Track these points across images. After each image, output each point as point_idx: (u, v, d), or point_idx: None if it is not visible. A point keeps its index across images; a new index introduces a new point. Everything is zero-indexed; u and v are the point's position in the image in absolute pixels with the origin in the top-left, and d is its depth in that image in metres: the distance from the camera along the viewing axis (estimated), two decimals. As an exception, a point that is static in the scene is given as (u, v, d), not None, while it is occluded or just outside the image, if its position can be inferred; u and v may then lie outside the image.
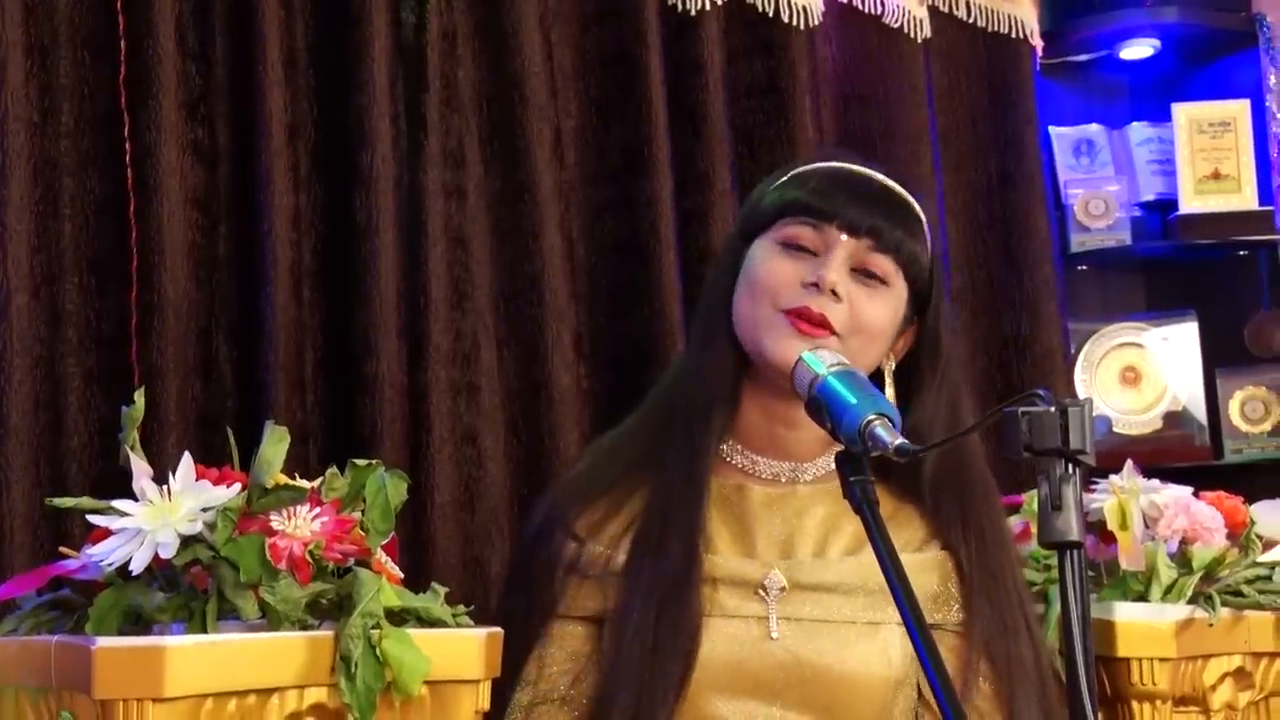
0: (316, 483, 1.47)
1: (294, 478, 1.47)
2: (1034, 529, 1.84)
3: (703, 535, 1.73)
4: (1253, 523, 1.96)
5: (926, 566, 1.76)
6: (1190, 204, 3.11)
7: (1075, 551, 1.32)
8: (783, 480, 1.80)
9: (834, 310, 1.73)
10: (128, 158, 2.07)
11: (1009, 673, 1.72)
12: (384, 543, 1.49)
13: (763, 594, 1.73)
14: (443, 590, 1.51)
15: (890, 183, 1.81)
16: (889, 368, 1.79)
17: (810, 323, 1.72)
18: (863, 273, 1.76)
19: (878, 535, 1.46)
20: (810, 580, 1.74)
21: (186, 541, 1.38)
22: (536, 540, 1.79)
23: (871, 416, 1.48)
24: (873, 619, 1.72)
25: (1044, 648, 1.77)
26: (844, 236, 1.75)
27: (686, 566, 1.70)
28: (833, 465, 1.79)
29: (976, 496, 1.80)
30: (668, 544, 1.70)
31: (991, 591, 1.76)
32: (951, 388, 1.81)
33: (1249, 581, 1.92)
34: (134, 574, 1.37)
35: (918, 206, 1.82)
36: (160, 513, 1.38)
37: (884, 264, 1.76)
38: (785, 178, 1.83)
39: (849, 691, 1.71)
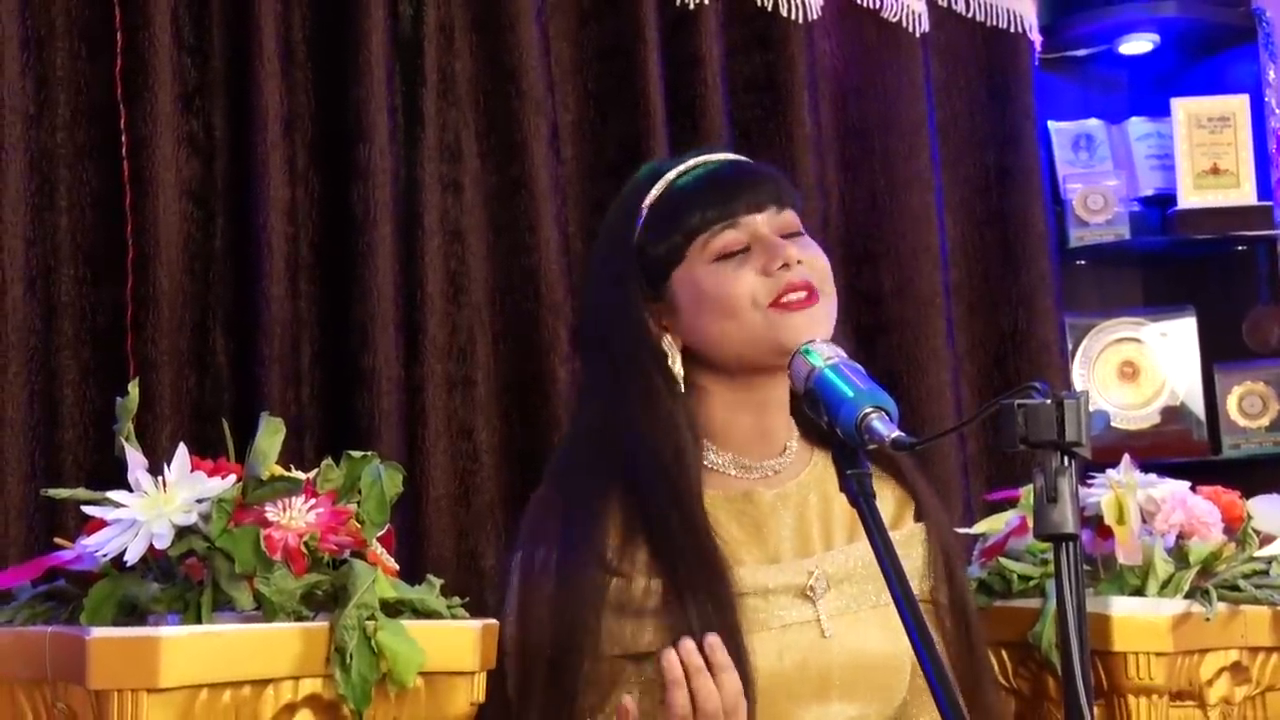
0: (311, 474, 1.46)
1: (290, 470, 1.47)
2: (1031, 523, 1.85)
3: (728, 578, 1.70)
4: (1250, 517, 1.95)
5: (909, 541, 1.80)
6: (1189, 199, 3.11)
7: (1071, 544, 1.32)
8: (771, 475, 1.80)
9: (807, 273, 1.75)
10: (123, 150, 2.07)
11: (976, 625, 1.80)
12: (379, 534, 1.49)
13: (811, 595, 1.74)
14: (438, 582, 1.51)
15: (730, 154, 1.87)
16: None
17: (801, 289, 1.74)
18: (786, 236, 1.78)
19: (874, 530, 1.47)
20: (839, 573, 1.76)
21: (182, 532, 1.38)
22: (571, 575, 1.69)
23: (868, 409, 1.48)
24: (889, 600, 1.74)
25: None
26: (757, 216, 1.77)
27: (724, 606, 1.67)
28: (796, 444, 1.81)
29: (912, 465, 1.86)
30: (696, 589, 1.67)
31: (958, 556, 1.83)
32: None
33: (1246, 576, 1.92)
34: (129, 565, 1.37)
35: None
36: (155, 504, 1.38)
37: (792, 218, 1.80)
38: (653, 217, 1.79)
39: (895, 673, 1.75)
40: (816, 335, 1.69)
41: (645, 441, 1.74)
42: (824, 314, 1.75)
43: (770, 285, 1.74)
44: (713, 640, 1.57)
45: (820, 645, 1.72)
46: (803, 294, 1.74)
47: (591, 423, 1.81)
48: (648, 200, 1.80)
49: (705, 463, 1.78)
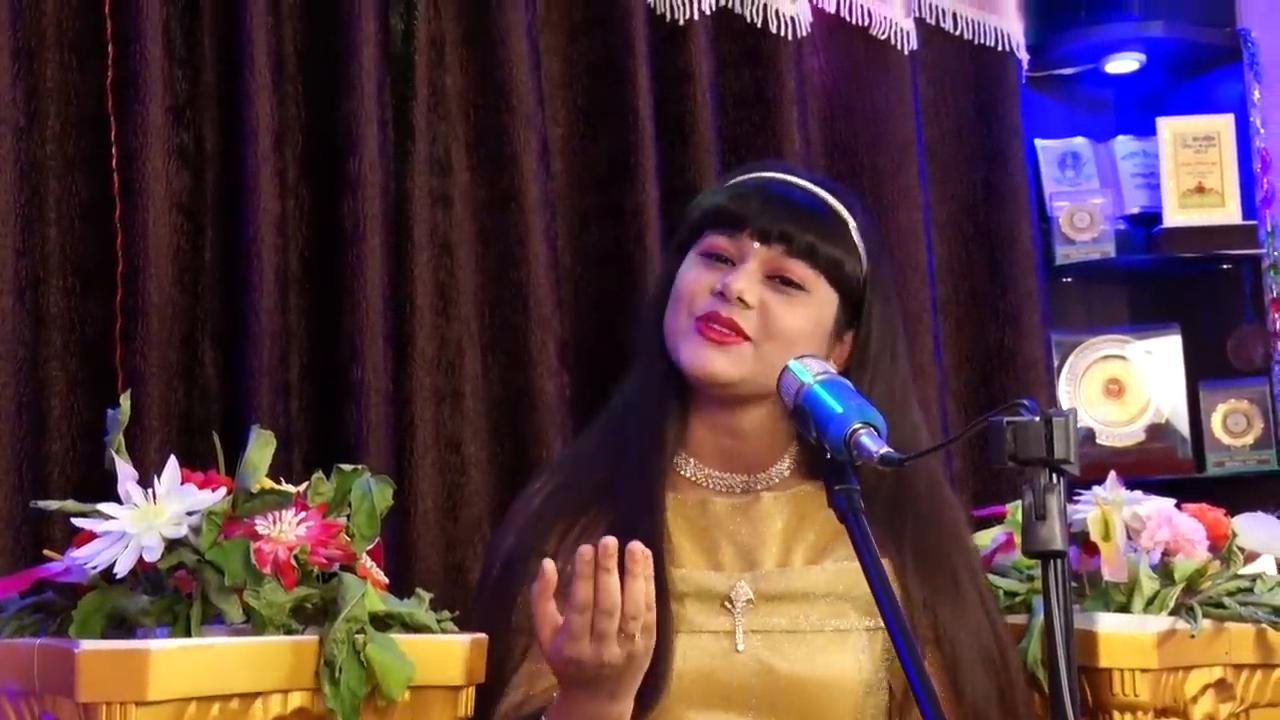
0: (302, 487, 1.47)
1: (279, 483, 1.47)
2: (1018, 539, 1.86)
3: (667, 553, 1.73)
4: (1235, 535, 1.96)
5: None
6: (1174, 217, 3.12)
7: (1059, 561, 1.33)
8: (739, 491, 1.80)
9: (743, 316, 1.74)
10: (113, 162, 2.07)
11: (954, 653, 1.74)
12: (369, 548, 1.49)
13: (729, 606, 1.73)
14: (427, 596, 1.51)
15: (813, 188, 1.83)
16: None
17: (719, 325, 1.73)
18: (779, 279, 1.77)
19: (863, 543, 1.47)
20: (776, 591, 1.75)
21: (171, 545, 1.38)
22: (511, 562, 1.77)
23: (857, 425, 1.49)
24: (839, 626, 1.73)
25: (1003, 627, 1.79)
26: (756, 244, 1.77)
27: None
28: (788, 471, 1.80)
29: (920, 503, 1.80)
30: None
31: (938, 584, 1.77)
32: (888, 396, 1.77)
33: (1231, 593, 1.92)
34: (118, 577, 1.37)
35: (845, 213, 1.82)
36: (145, 516, 1.38)
37: (800, 269, 1.77)
38: (705, 198, 1.86)
39: (822, 699, 1.72)
40: (715, 369, 1.72)
41: (636, 408, 1.79)
42: (740, 358, 1.73)
43: (705, 302, 1.75)
44: (634, 547, 1.52)
45: (729, 657, 1.71)
46: (722, 330, 1.74)
47: (624, 382, 1.88)
48: (728, 182, 1.86)
49: (677, 469, 1.80)
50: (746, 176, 1.85)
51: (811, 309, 1.77)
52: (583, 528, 1.76)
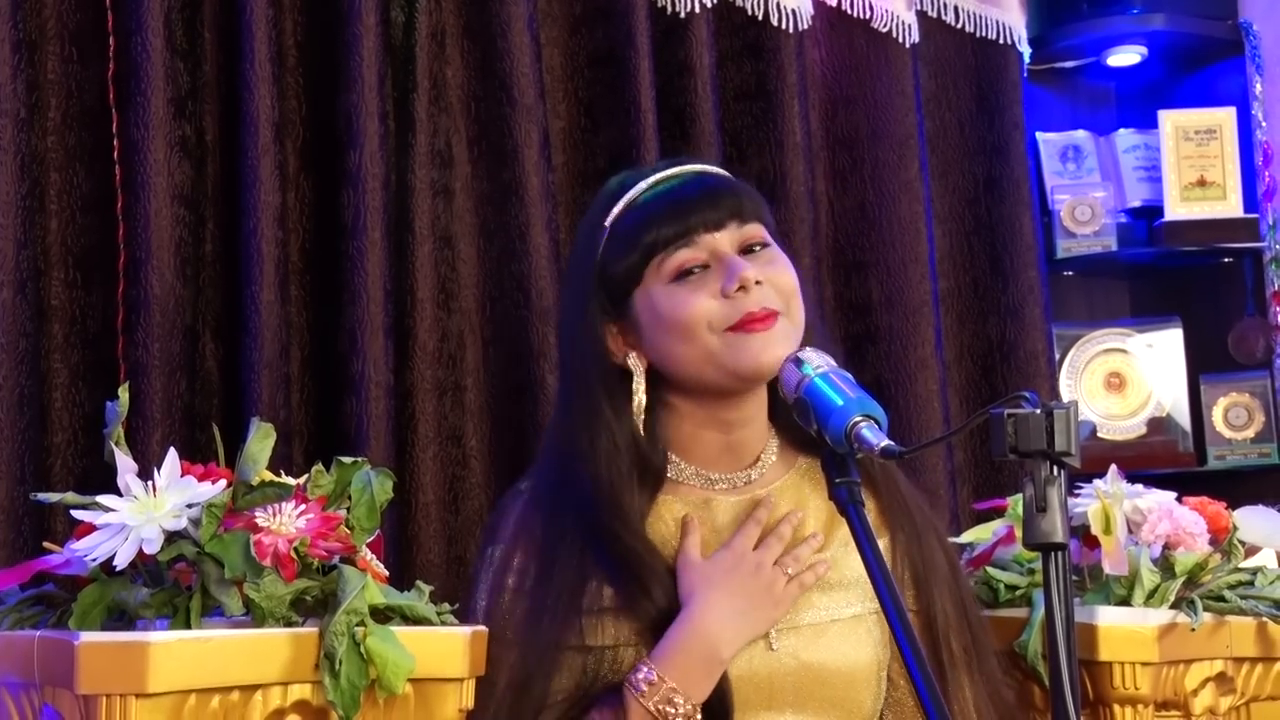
0: (302, 480, 1.47)
1: (279, 475, 1.47)
2: (1018, 532, 1.86)
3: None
4: (1235, 528, 1.96)
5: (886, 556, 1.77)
6: (1176, 210, 3.12)
7: (1060, 553, 1.33)
8: (740, 486, 1.80)
9: (766, 295, 1.71)
10: (115, 154, 2.07)
11: (936, 621, 1.74)
12: (369, 540, 1.49)
13: None
14: (427, 588, 1.51)
15: (702, 166, 1.82)
16: None
17: (761, 320, 1.70)
18: (747, 251, 1.74)
19: (864, 536, 1.47)
20: None
21: (171, 537, 1.38)
22: (541, 613, 1.69)
23: (858, 418, 1.49)
24: (855, 611, 1.74)
25: (966, 585, 1.80)
26: (716, 234, 1.73)
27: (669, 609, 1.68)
28: (775, 456, 1.80)
29: (899, 476, 1.82)
30: (651, 593, 1.68)
31: (922, 553, 1.77)
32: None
33: (1231, 587, 1.93)
34: (118, 569, 1.37)
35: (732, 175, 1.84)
36: (145, 508, 1.38)
37: (760, 232, 1.75)
38: (613, 236, 1.76)
39: (855, 685, 1.73)
40: (775, 355, 1.69)
41: (588, 469, 1.72)
42: (782, 333, 1.71)
43: (728, 310, 1.70)
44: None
45: (766, 657, 1.70)
46: (762, 320, 1.71)
47: (553, 441, 1.81)
48: (609, 218, 1.76)
49: (669, 475, 1.78)
50: (637, 199, 1.77)
51: (784, 259, 1.77)
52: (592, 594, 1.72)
